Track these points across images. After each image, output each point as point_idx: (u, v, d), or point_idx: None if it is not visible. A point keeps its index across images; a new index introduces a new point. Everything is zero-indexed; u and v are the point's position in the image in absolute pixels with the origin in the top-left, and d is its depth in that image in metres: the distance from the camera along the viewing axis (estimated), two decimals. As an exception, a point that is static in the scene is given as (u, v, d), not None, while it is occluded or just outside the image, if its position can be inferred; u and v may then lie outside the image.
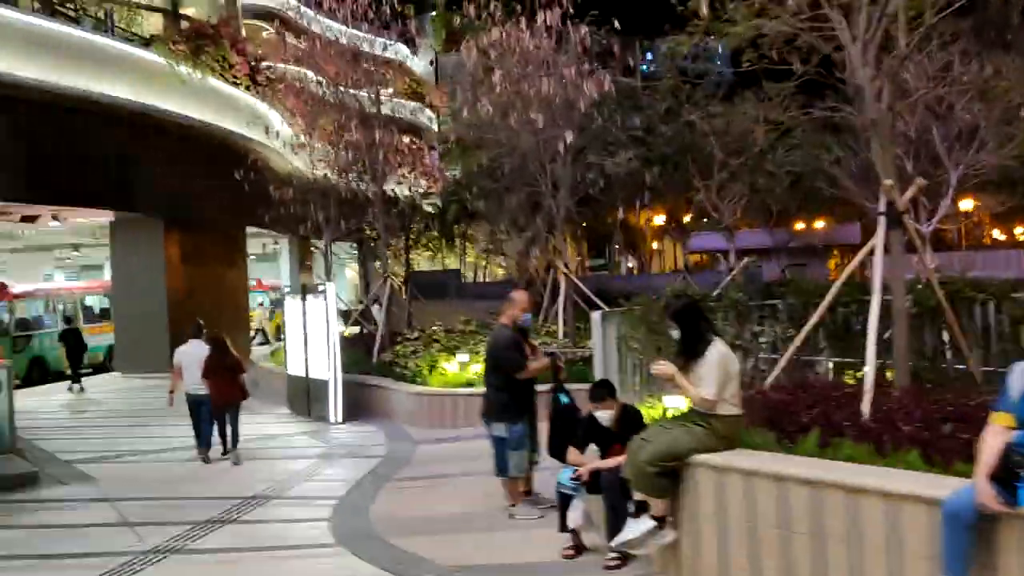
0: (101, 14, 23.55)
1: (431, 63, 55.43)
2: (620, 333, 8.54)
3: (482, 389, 12.35)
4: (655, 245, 57.12)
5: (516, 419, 7.25)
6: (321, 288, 13.58)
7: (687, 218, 32.20)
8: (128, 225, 22.43)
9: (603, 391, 6.11)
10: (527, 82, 13.41)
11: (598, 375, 8.37)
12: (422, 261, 33.72)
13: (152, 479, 10.37)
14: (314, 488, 9.45)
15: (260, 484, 9.58)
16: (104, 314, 25.07)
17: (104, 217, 23.25)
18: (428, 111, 41.80)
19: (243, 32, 28.09)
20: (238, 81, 25.27)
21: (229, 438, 11.02)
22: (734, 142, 16.18)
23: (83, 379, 20.58)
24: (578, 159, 14.58)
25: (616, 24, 14.48)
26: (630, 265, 59.16)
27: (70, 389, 19.33)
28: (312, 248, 34.59)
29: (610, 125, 15.33)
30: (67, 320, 21.73)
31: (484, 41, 13.98)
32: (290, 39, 27.83)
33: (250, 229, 27.00)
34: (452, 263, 37.25)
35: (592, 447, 6.18)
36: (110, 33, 21.20)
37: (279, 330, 33.96)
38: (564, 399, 7.18)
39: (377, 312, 16.87)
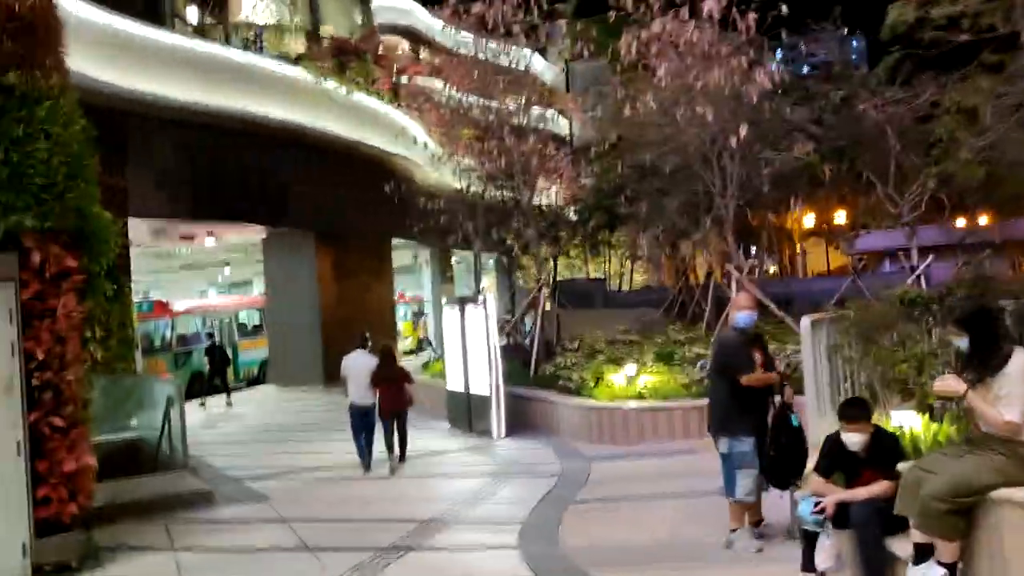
0: (251, 35, 24.07)
1: (562, 71, 55.12)
2: (831, 342, 7.62)
3: (655, 403, 12.03)
4: (798, 247, 54.84)
5: (740, 433, 6.45)
6: (480, 298, 13.12)
7: (840, 217, 30.46)
8: (280, 240, 22.81)
9: (856, 411, 5.24)
10: (692, 74, 12.58)
11: (809, 390, 7.46)
12: (563, 270, 33.18)
13: (323, 498, 10.10)
14: (493, 511, 8.89)
15: (435, 505, 9.11)
16: (257, 329, 25.61)
17: (255, 234, 23.74)
18: (561, 119, 41.40)
19: (381, 48, 28.27)
20: (381, 94, 25.41)
21: (397, 446, 11.42)
22: (913, 131, 14.85)
23: (233, 393, 21.02)
24: (747, 155, 13.61)
25: (783, 9, 13.47)
26: (772, 269, 56.96)
27: (206, 403, 19.93)
28: (453, 260, 34.65)
29: (780, 117, 14.25)
30: (210, 336, 22.27)
31: (643, 35, 13.21)
32: (424, 54, 27.86)
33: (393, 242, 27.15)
34: (590, 272, 36.58)
35: (834, 474, 5.35)
36: (260, 53, 21.58)
37: (420, 342, 34.25)
38: (794, 420, 6.32)
39: (529, 322, 16.36)
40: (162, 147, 17.99)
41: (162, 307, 22.65)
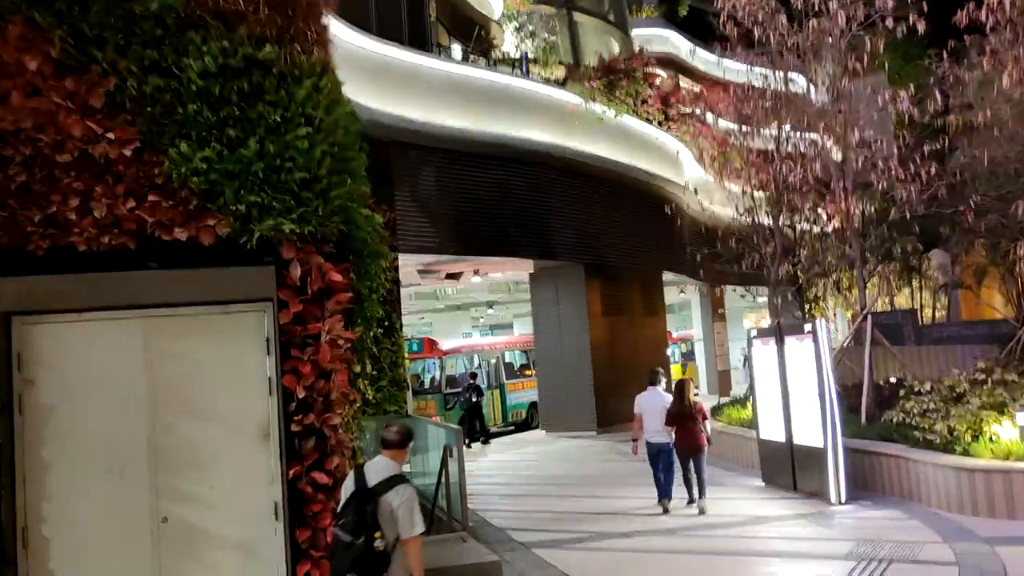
0: (515, 64, 23.13)
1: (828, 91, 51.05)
2: None
3: None
4: None
5: None
6: (808, 327, 10.58)
7: None
8: (548, 275, 21.33)
9: None
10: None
11: None
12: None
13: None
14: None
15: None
16: (524, 369, 24.29)
17: (521, 270, 22.47)
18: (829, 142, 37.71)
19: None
20: (650, 118, 23.53)
21: (695, 486, 10.70)
22: None
23: (498, 437, 19.85)
24: None
25: None
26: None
27: (472, 444, 19.22)
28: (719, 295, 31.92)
29: None
30: (472, 376, 21.18)
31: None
32: (685, 83, 25.80)
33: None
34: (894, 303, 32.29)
35: None
36: (525, 76, 20.39)
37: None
38: None
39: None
40: (427, 177, 17.07)
41: (431, 345, 21.83)
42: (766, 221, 17.42)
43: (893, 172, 13.17)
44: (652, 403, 10.84)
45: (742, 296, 21.50)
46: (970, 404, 10.27)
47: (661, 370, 11.51)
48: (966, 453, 9.46)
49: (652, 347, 23.17)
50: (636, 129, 22.55)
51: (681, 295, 32.53)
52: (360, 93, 14.28)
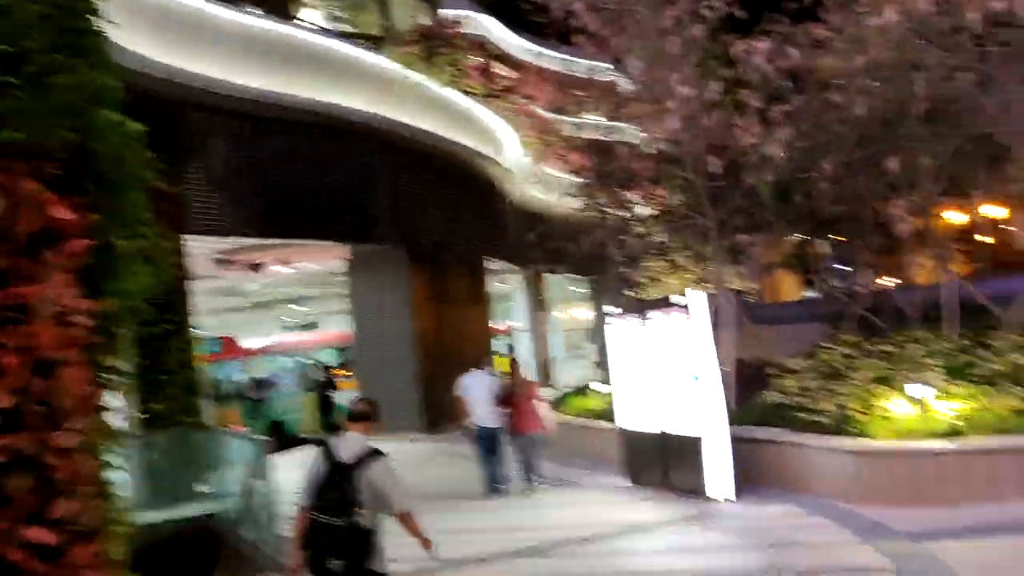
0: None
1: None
2: None
3: (983, 442, 7.59)
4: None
5: None
6: (682, 301, 9.17)
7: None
8: (367, 263, 19.18)
9: None
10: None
11: None
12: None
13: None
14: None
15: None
16: (341, 369, 22.01)
17: (334, 259, 20.23)
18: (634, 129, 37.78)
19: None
20: (472, 91, 21.88)
21: (526, 471, 10.51)
22: None
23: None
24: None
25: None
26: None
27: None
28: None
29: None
30: (325, 369, 19.17)
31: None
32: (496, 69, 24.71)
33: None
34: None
35: None
36: (337, 37, 18.14)
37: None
38: None
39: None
40: (225, 147, 14.58)
41: (232, 345, 19.17)
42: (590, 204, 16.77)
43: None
44: (478, 385, 10.53)
45: (573, 280, 20.74)
46: (854, 379, 9.22)
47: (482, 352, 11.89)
48: (861, 434, 8.34)
49: (478, 338, 21.56)
50: (458, 103, 20.84)
51: (502, 285, 31.21)
52: (138, 41, 11.74)
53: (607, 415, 12.43)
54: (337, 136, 16.79)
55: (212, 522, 9.95)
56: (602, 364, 18.97)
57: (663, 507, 9.14)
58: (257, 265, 20.91)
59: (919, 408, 8.21)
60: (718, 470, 8.85)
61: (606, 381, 14.94)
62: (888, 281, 20.42)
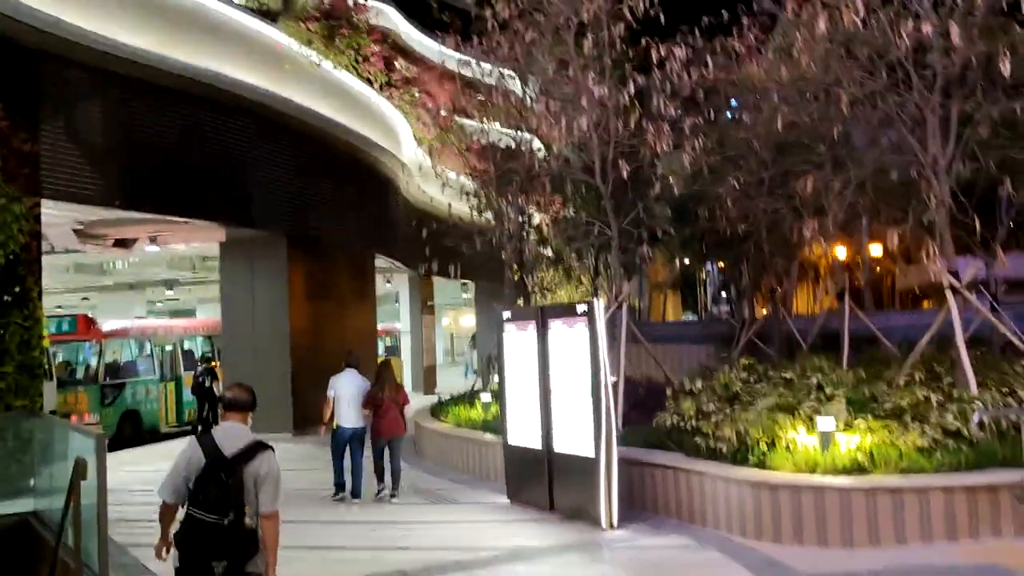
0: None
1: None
2: None
3: (891, 480, 7.05)
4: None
5: None
6: (581, 308, 8.49)
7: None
8: (242, 247, 17.86)
9: None
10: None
11: None
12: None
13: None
14: None
15: None
16: (206, 360, 20.54)
17: (209, 241, 18.83)
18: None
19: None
20: (372, 79, 20.88)
21: (390, 476, 10.24)
22: None
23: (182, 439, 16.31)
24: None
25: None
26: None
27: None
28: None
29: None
30: (205, 360, 17.78)
31: None
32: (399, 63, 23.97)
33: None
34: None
35: None
36: (228, 1, 16.84)
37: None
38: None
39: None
40: (91, 107, 13.16)
41: (88, 325, 17.52)
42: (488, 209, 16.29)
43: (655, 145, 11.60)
44: (349, 385, 10.29)
45: (463, 284, 20.03)
46: (755, 405, 8.74)
47: (356, 352, 11.28)
48: (762, 465, 7.84)
49: (361, 338, 20.51)
50: (356, 89, 19.83)
51: (387, 285, 30.14)
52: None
53: (490, 427, 11.71)
54: (219, 109, 15.51)
55: (34, 523, 8.73)
56: (485, 372, 18.31)
57: (546, 531, 8.41)
58: (124, 242, 19.32)
59: (823, 441, 7.75)
60: (607, 494, 8.19)
61: (488, 390, 14.27)
62: (769, 308, 20.54)
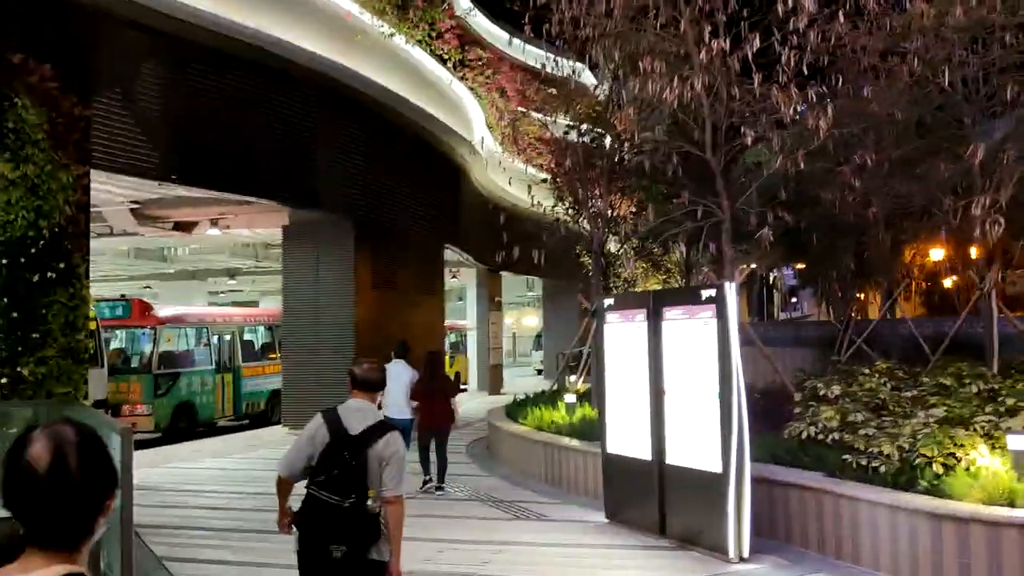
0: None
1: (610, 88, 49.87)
2: None
3: None
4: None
5: None
6: (706, 294, 7.05)
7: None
8: (308, 231, 16.76)
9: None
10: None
11: None
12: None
13: None
14: None
15: None
16: (267, 350, 19.54)
17: (272, 227, 17.78)
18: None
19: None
20: (446, 57, 19.64)
21: (436, 468, 10.10)
22: None
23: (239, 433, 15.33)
24: None
25: None
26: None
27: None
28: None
29: None
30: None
31: None
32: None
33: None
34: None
35: None
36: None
37: (458, 379, 28.12)
38: None
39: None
40: (147, 71, 12.11)
41: (143, 310, 16.59)
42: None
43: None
44: (397, 376, 9.88)
45: (528, 282, 18.85)
46: (915, 417, 7.17)
47: (406, 341, 11.13)
48: (934, 491, 6.29)
49: (428, 332, 19.31)
50: (428, 67, 18.61)
51: (454, 280, 28.95)
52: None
53: (577, 432, 10.33)
54: (285, 80, 14.43)
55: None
56: (563, 371, 16.93)
57: (659, 562, 6.98)
58: (185, 224, 18.42)
59: (1016, 464, 6.18)
60: (736, 519, 6.72)
61: (572, 391, 12.88)
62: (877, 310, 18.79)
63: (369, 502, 3.95)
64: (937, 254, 16.72)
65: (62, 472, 1.48)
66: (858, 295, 18.18)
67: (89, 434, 1.55)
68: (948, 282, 21.64)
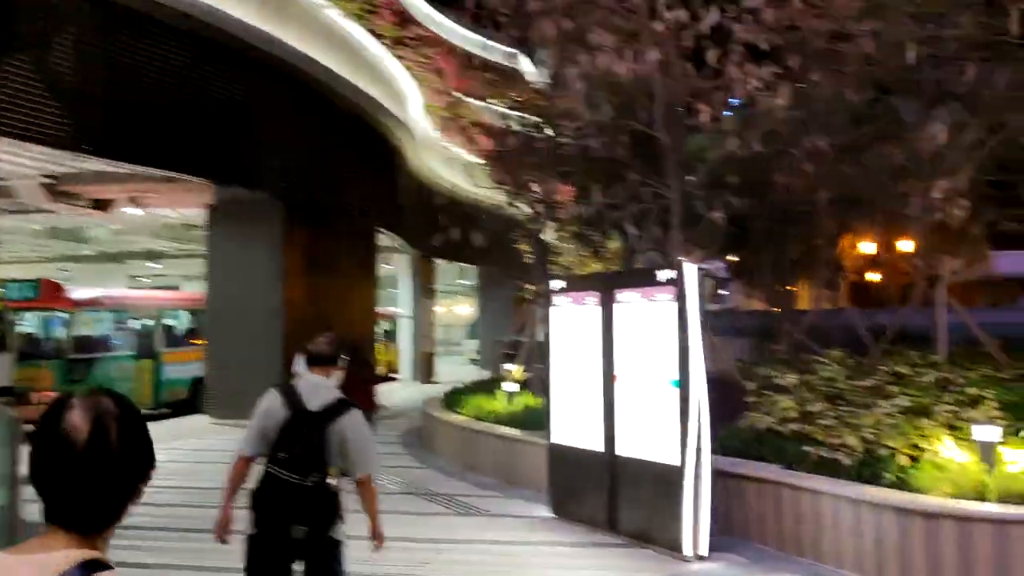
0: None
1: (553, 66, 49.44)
2: None
3: None
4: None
5: None
6: (666, 276, 6.62)
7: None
8: (235, 211, 15.93)
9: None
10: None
11: None
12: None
13: None
14: None
15: None
16: (189, 336, 18.61)
17: (196, 207, 16.91)
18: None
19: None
20: (382, 34, 18.98)
21: None
22: None
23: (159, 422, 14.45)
24: None
25: None
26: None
27: None
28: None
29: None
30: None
31: None
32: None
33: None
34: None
35: None
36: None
37: (390, 367, 27.43)
38: None
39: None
40: (63, 37, 11.18)
41: (55, 292, 15.57)
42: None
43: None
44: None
45: (459, 272, 18.32)
46: (876, 407, 6.88)
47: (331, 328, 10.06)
48: (901, 484, 5.99)
49: (363, 318, 18.66)
50: (364, 42, 17.90)
51: (386, 267, 28.22)
52: None
53: (520, 421, 9.87)
54: (212, 49, 13.60)
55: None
56: (504, 359, 16.45)
57: (611, 560, 6.55)
58: (102, 203, 17.44)
59: (985, 456, 5.91)
60: (694, 515, 6.33)
61: (511, 379, 12.42)
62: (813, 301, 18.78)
63: (329, 480, 3.85)
64: (869, 247, 16.75)
65: (102, 445, 1.40)
66: (794, 286, 18.11)
67: (128, 406, 1.48)
68: (876, 275, 21.85)
